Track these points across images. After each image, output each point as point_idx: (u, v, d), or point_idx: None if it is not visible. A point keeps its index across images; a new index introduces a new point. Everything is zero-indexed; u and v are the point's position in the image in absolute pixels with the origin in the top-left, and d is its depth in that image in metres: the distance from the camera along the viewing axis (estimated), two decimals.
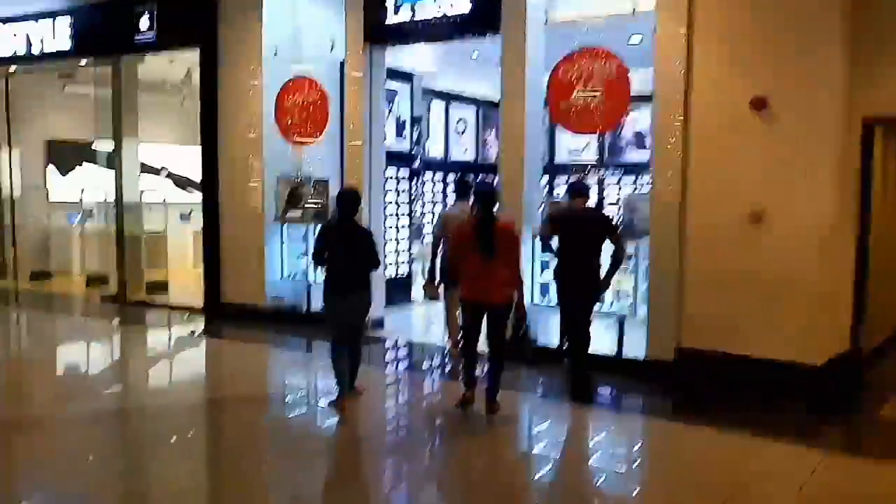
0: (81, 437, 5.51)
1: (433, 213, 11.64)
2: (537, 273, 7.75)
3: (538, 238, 6.70)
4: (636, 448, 5.77)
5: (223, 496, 4.78)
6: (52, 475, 4.84)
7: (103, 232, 12.33)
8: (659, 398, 6.70)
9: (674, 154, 6.78)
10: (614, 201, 10.63)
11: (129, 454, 5.47)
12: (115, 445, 5.56)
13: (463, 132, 12.28)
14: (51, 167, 13.85)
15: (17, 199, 13.33)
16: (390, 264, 10.09)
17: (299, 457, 5.27)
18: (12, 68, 12.56)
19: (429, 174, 11.65)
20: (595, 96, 7.18)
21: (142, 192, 11.62)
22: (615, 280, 7.04)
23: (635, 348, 7.18)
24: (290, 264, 9.73)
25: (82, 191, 12.99)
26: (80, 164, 14.03)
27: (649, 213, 7.02)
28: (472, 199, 7.26)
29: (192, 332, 9.68)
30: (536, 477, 5.02)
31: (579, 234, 6.45)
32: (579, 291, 6.47)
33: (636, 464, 5.39)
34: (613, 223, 6.87)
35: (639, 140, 10.90)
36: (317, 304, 9.23)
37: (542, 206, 7.89)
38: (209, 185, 10.13)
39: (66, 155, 13.92)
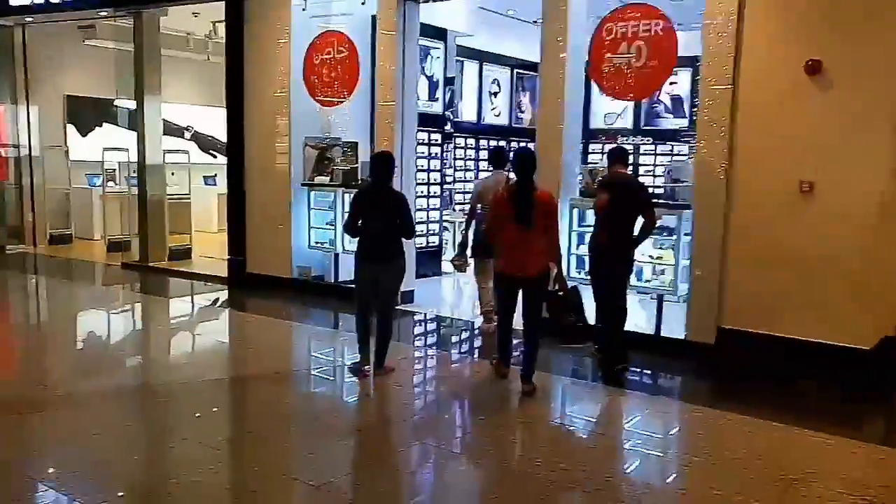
0: (99, 413, 5.50)
1: (464, 181, 11.58)
2: (573, 245, 7.71)
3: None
4: (674, 435, 5.70)
5: (246, 475, 4.73)
6: (69, 452, 4.86)
7: (125, 195, 12.32)
8: (699, 381, 6.69)
9: (721, 121, 6.65)
10: (649, 170, 10.54)
11: (147, 431, 5.41)
12: (133, 422, 5.49)
13: (496, 94, 12.17)
14: (70, 126, 13.79)
15: (36, 159, 13.26)
16: (420, 234, 9.97)
17: (324, 436, 5.22)
18: (28, 18, 12.45)
19: (460, 139, 11.55)
20: (639, 57, 7.10)
21: (164, 152, 11.58)
22: (655, 254, 7.14)
23: (674, 328, 7.14)
24: (316, 232, 9.71)
25: (103, 151, 13.02)
26: (100, 125, 14.00)
27: (693, 184, 6.96)
28: (509, 167, 7.29)
29: (216, 303, 9.69)
30: (567, 462, 4.95)
31: (622, 202, 6.41)
32: (617, 264, 6.49)
33: (674, 453, 5.33)
34: (650, 193, 6.88)
35: (676, 106, 10.74)
36: (344, 274, 9.29)
37: (580, 174, 7.84)
38: (235, 147, 10.06)
39: (86, 115, 13.85)
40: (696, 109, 7.02)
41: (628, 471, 4.94)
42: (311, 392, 6.32)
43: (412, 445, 5.33)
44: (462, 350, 7.75)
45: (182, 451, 4.98)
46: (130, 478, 4.52)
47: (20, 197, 13.37)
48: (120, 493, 4.30)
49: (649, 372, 6.87)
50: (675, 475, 4.92)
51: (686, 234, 7.04)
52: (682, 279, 7.09)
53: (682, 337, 7.04)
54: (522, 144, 11.78)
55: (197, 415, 5.53)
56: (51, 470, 4.62)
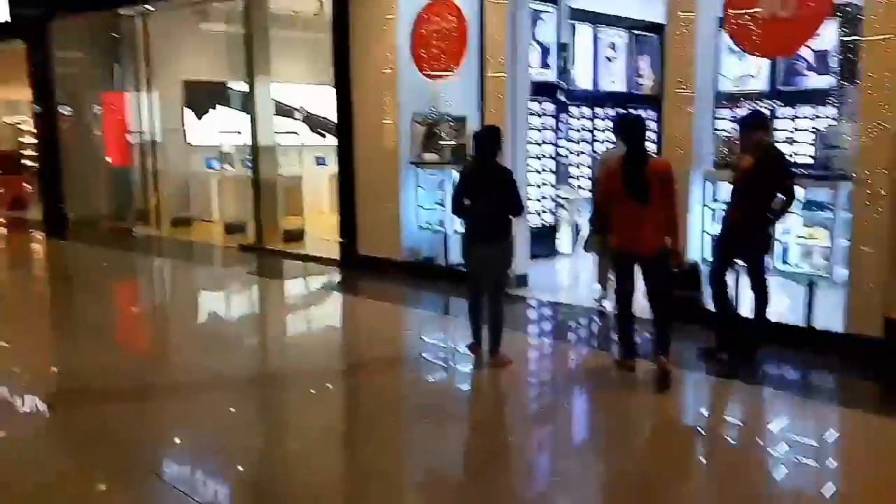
0: (213, 397, 5.33)
1: (580, 153, 10.61)
2: (706, 223, 6.72)
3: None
4: (833, 445, 4.68)
5: (356, 467, 4.43)
6: (185, 436, 4.74)
7: (240, 177, 12.25)
8: (860, 382, 5.55)
9: (889, 75, 5.50)
10: (789, 137, 9.25)
11: (262, 414, 5.27)
12: (248, 404, 5.32)
13: (613, 60, 11.08)
14: (188, 110, 13.84)
15: (158, 145, 13.44)
16: (533, 213, 9.28)
17: (436, 421, 4.86)
18: (148, 7, 12.51)
19: (574, 109, 10.53)
20: (786, 7, 5.99)
21: (276, 134, 11.34)
22: (806, 234, 6.10)
23: (830, 319, 6.03)
24: (425, 212, 9.16)
25: (219, 134, 13.00)
26: (214, 107, 14.00)
27: (853, 152, 5.85)
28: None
29: (328, 286, 9.35)
30: (699, 467, 4.36)
31: (764, 172, 5.52)
32: (750, 241, 5.64)
33: (834, 468, 4.41)
34: (791, 163, 5.90)
35: (819, 62, 9.33)
36: (455, 256, 8.70)
37: (716, 142, 6.84)
38: (344, 126, 9.64)
39: (201, 97, 13.88)
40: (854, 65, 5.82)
41: (778, 483, 4.15)
42: (423, 380, 5.82)
43: (528, 440, 4.81)
44: (581, 338, 6.98)
45: (293, 439, 4.81)
46: (242, 466, 4.32)
47: (144, 181, 13.56)
48: (238, 468, 4.25)
49: (799, 368, 5.83)
50: (818, 489, 4.04)
51: (844, 210, 5.91)
52: (839, 262, 5.97)
53: (841, 330, 5.93)
54: (641, 112, 10.76)
55: (310, 398, 5.34)
56: (168, 454, 4.54)
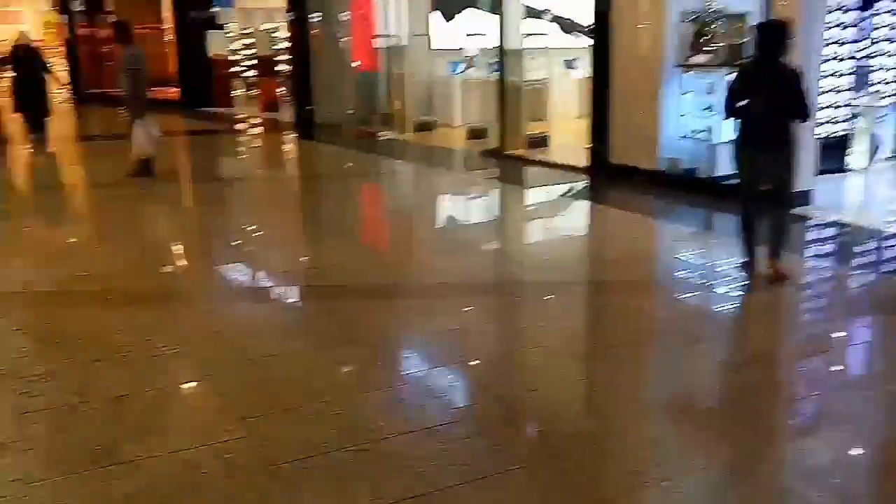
0: (456, 300, 5.32)
1: (886, 54, 9.25)
2: None
3: None
4: None
5: (601, 394, 4.17)
6: (427, 337, 4.77)
7: (484, 82, 12.20)
8: None
9: None
10: None
11: (501, 323, 5.17)
12: (488, 312, 5.24)
13: None
14: (435, 13, 14.03)
15: (403, 49, 13.72)
16: (823, 122, 8.27)
17: (696, 356, 4.45)
18: None
19: (884, 3, 9.13)
20: None
21: (524, 36, 11.12)
22: None
23: None
24: (691, 120, 8.52)
25: (465, 38, 13.01)
26: (463, 10, 14.05)
27: None
28: None
29: (575, 194, 9.09)
30: None
31: None
32: None
33: None
34: None
35: None
36: (722, 169, 8.02)
37: None
38: (601, 27, 9.19)
39: (451, 1, 14.00)
40: None
41: None
42: (681, 303, 5.37)
43: (797, 372, 4.33)
44: (873, 264, 6.24)
45: (532, 350, 4.59)
46: (481, 373, 4.26)
47: (389, 86, 13.98)
48: (477, 375, 4.17)
49: None
50: None
51: None
52: None
53: None
54: None
55: (552, 310, 5.16)
56: (411, 356, 4.55)
